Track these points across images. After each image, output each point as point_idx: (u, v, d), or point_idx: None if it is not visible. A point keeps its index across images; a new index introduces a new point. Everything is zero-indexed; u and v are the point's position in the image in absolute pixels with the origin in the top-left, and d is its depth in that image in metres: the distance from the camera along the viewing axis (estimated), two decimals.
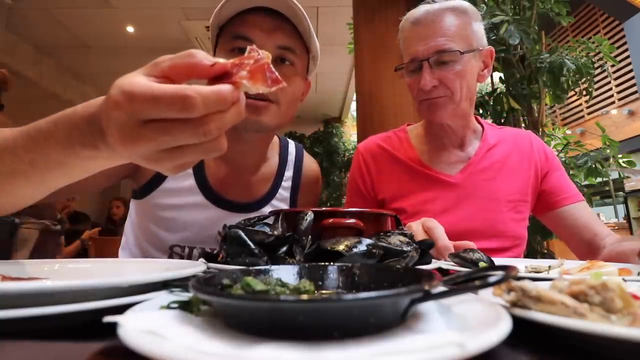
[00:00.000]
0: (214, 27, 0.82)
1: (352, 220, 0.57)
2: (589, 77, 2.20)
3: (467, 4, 0.98)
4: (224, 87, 0.36)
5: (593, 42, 2.32)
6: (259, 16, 0.78)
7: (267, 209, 0.93)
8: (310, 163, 1.07)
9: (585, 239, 0.97)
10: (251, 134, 0.84)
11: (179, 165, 0.41)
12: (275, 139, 1.02)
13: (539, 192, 1.04)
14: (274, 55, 0.78)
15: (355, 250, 0.49)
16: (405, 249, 0.53)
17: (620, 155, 2.29)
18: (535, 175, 1.03)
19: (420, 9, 0.97)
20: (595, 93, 2.53)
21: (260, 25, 0.77)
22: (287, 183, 0.99)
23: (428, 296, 0.28)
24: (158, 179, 0.85)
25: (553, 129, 2.56)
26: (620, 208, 8.00)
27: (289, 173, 1.00)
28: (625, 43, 6.35)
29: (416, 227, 0.71)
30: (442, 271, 0.59)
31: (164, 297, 0.34)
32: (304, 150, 1.08)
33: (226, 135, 0.71)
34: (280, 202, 0.97)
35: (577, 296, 0.29)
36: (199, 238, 0.86)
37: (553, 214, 1.02)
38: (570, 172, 2.19)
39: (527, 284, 0.30)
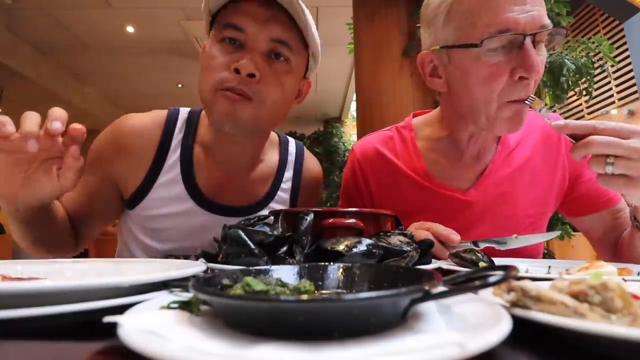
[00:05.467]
0: (205, 12, 0.77)
1: (352, 220, 0.57)
2: (589, 77, 2.20)
3: None
4: None
5: (593, 42, 2.32)
6: (253, 5, 0.72)
7: (265, 212, 0.89)
8: (311, 163, 1.01)
9: (619, 237, 0.85)
10: (239, 135, 0.78)
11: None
12: (275, 137, 0.97)
13: (572, 198, 0.88)
14: (267, 49, 0.73)
15: (355, 250, 0.49)
16: (405, 249, 0.53)
17: None
18: (562, 178, 0.87)
19: None
20: (595, 93, 2.53)
21: (253, 14, 0.72)
22: (286, 184, 0.94)
23: (428, 296, 0.28)
24: (145, 189, 0.82)
25: None
26: None
27: (288, 174, 0.95)
28: (625, 43, 6.35)
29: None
30: (443, 271, 0.59)
31: (164, 297, 0.34)
32: (306, 149, 1.02)
33: (216, 137, 0.84)
34: (279, 204, 0.92)
35: (577, 296, 0.29)
36: (194, 246, 0.83)
37: (591, 217, 0.88)
38: None
39: (527, 284, 0.30)
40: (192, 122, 0.87)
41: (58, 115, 0.56)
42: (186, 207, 0.83)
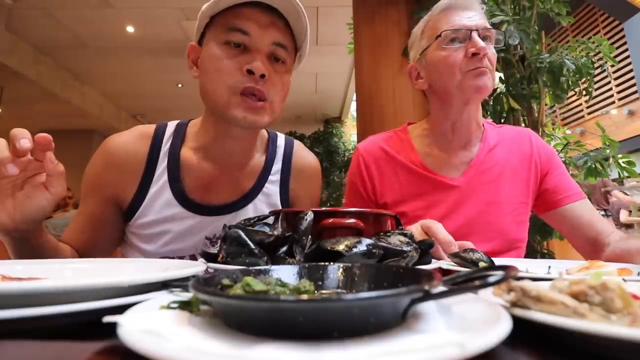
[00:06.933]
0: (205, 16, 0.80)
1: (352, 220, 0.57)
2: (589, 77, 2.19)
3: None
4: None
5: (593, 42, 2.32)
6: (255, 10, 0.77)
7: (253, 206, 0.90)
8: (303, 154, 1.01)
9: (588, 237, 0.95)
10: (240, 131, 0.83)
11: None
12: (264, 133, 0.98)
13: (540, 192, 1.02)
14: (268, 51, 0.78)
15: (355, 250, 0.49)
16: (405, 249, 0.53)
17: (620, 155, 2.28)
18: (535, 176, 1.02)
19: None
20: (595, 93, 2.53)
21: (257, 19, 0.76)
22: (275, 177, 0.94)
23: (428, 296, 0.28)
24: (139, 201, 0.85)
25: (553, 129, 2.55)
26: None
27: (277, 166, 0.95)
28: (625, 43, 6.35)
29: (415, 229, 0.71)
30: (443, 271, 0.59)
31: (164, 297, 0.34)
32: (298, 142, 1.03)
33: (214, 134, 0.87)
34: (267, 196, 0.92)
35: (577, 296, 0.29)
36: (186, 247, 0.86)
37: (555, 212, 1.00)
38: (570, 172, 2.19)
39: (527, 284, 0.30)
40: (179, 131, 0.89)
41: (22, 134, 0.58)
42: (175, 212, 0.85)
